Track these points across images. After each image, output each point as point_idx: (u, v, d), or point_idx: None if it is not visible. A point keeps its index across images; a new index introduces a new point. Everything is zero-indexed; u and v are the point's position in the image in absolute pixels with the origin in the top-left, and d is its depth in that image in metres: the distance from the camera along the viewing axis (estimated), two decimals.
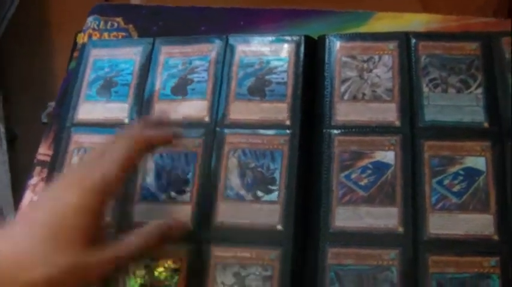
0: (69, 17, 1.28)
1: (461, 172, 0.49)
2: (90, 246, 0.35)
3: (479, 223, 0.47)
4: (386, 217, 0.48)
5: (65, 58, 1.27)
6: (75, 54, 0.62)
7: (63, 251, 0.34)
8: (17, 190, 1.11)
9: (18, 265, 0.34)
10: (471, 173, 0.49)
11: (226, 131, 0.52)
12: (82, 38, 0.64)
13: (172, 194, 0.51)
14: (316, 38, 0.56)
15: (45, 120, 1.46)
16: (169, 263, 0.49)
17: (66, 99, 0.57)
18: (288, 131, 0.51)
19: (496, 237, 0.46)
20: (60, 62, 1.44)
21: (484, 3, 1.20)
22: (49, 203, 0.37)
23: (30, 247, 0.34)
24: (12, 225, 0.38)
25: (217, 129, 0.53)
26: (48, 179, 0.54)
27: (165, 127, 0.45)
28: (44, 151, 0.59)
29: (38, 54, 1.52)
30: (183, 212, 0.50)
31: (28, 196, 0.56)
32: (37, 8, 1.57)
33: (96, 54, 0.59)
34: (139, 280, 0.49)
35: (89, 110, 0.56)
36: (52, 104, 1.45)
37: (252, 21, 0.61)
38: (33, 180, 0.57)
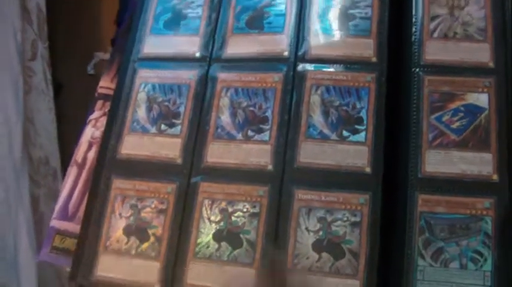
0: None
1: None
2: None
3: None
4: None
5: (113, 7, 1.21)
6: None
7: None
8: (62, 140, 1.07)
9: None
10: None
11: (308, 67, 0.48)
12: None
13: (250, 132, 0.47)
14: None
15: (91, 71, 1.40)
16: (247, 207, 0.45)
17: (130, 32, 0.53)
18: (374, 68, 0.47)
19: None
20: (108, 11, 1.36)
21: None
22: None
23: None
24: None
25: (299, 64, 0.49)
26: (112, 113, 0.50)
27: None
28: (106, 85, 0.55)
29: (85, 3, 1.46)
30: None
31: (89, 131, 0.53)
32: None
33: None
34: (214, 226, 0.45)
35: (155, 43, 0.52)
36: (99, 54, 1.39)
37: None
38: (95, 114, 0.54)
